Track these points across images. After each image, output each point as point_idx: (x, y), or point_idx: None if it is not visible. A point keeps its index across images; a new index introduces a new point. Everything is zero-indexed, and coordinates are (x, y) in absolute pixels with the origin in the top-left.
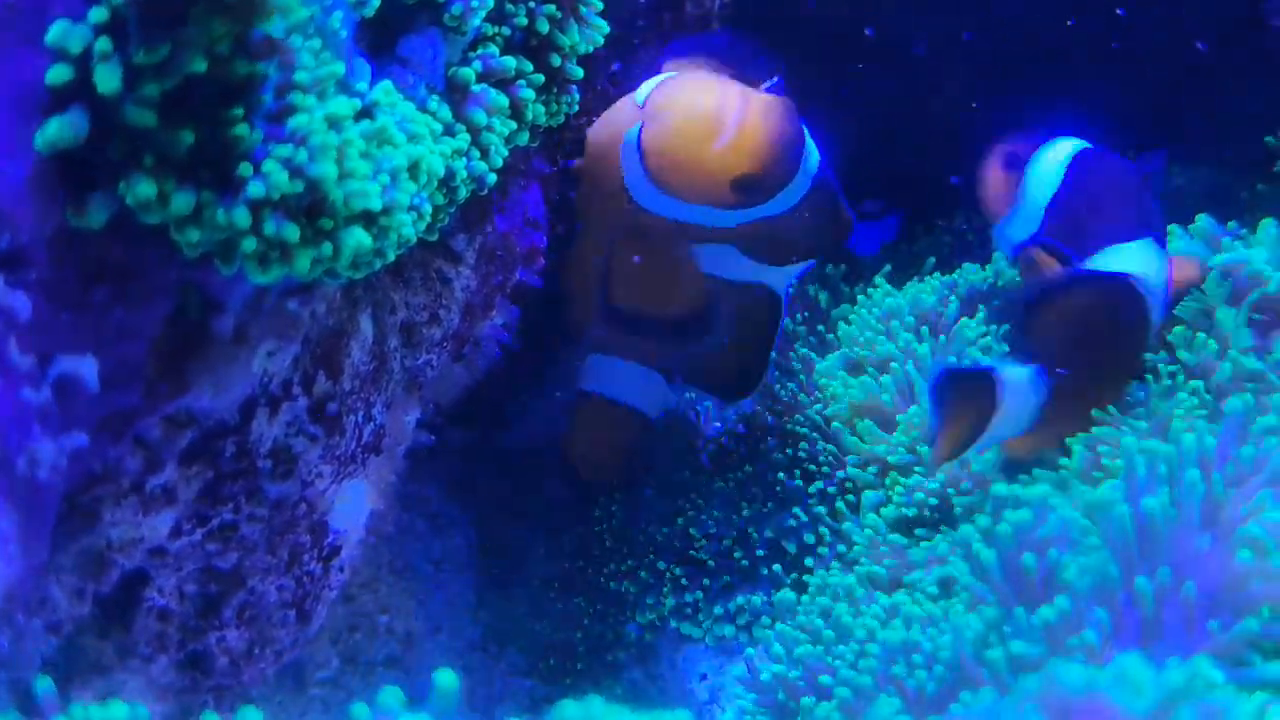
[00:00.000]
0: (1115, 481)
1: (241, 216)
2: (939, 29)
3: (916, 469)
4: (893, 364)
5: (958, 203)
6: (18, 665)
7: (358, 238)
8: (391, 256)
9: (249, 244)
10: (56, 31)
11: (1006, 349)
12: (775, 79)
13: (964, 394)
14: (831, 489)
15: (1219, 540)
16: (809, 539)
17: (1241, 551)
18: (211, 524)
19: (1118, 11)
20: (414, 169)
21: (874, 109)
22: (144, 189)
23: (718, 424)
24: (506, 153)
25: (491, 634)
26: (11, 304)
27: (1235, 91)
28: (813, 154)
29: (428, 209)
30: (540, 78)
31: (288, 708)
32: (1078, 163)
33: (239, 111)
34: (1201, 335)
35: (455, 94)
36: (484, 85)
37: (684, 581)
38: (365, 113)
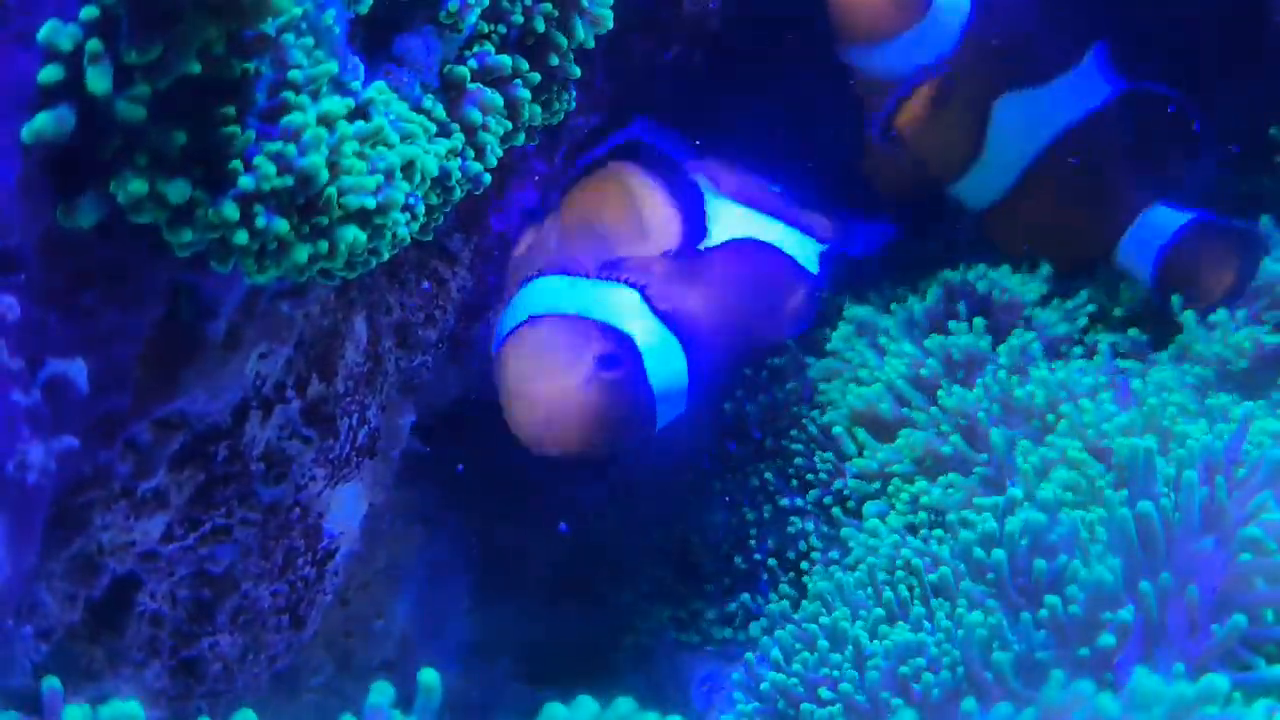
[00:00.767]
0: (1119, 482)
1: (230, 210)
2: None
3: (919, 477)
4: (891, 372)
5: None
6: (7, 672)
7: (353, 234)
8: (386, 255)
9: (240, 237)
10: (47, 30)
11: (1006, 359)
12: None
13: None
14: (829, 497)
15: (1221, 542)
16: (808, 545)
17: (1244, 554)
18: (204, 528)
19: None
20: (408, 169)
21: None
22: (136, 185)
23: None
24: (501, 153)
25: (487, 638)
26: (0, 306)
27: (1238, 88)
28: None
29: (421, 209)
30: (537, 77)
31: (282, 713)
32: None
33: (231, 110)
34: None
35: (450, 92)
36: (479, 84)
37: (683, 586)
38: (359, 112)
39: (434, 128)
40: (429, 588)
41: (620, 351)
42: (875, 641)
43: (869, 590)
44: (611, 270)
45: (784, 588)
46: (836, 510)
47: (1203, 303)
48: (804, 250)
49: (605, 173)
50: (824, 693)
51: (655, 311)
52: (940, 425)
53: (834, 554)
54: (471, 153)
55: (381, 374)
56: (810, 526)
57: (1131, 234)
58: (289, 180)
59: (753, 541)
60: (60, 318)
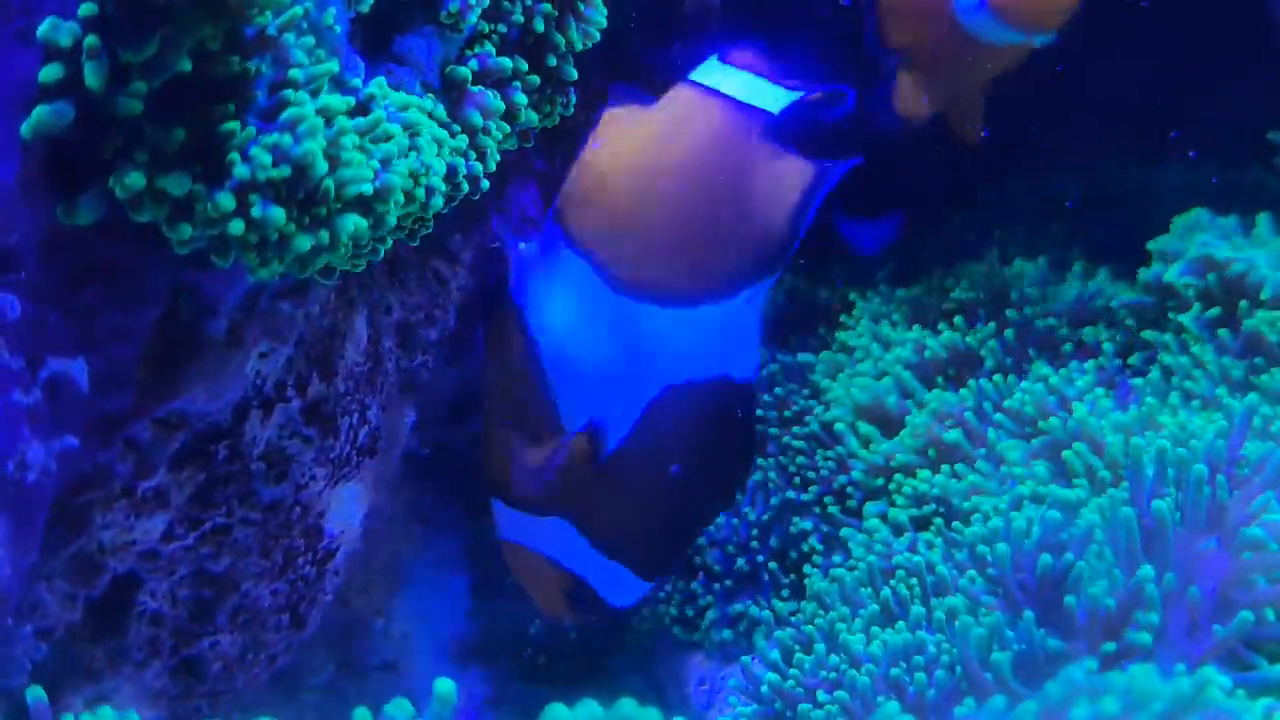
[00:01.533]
0: (1125, 482)
1: (226, 200)
2: None
3: (921, 471)
4: (896, 365)
5: (960, 202)
6: (7, 672)
7: (354, 223)
8: (388, 243)
9: (236, 227)
10: (47, 27)
11: (1010, 358)
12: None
13: None
14: (830, 495)
15: (1223, 542)
16: (809, 545)
17: (1245, 554)
18: (204, 527)
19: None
20: (413, 149)
21: (883, 109)
22: (134, 179)
23: None
24: (499, 157)
25: (488, 638)
26: (0, 305)
27: (1238, 88)
28: None
29: (439, 180)
30: (536, 79)
31: (282, 713)
32: None
33: (231, 108)
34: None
35: (451, 92)
36: (480, 86)
37: (683, 586)
38: (360, 109)
39: (435, 114)
40: (429, 587)
41: None
42: (874, 643)
43: (868, 590)
44: None
45: (785, 589)
46: (834, 509)
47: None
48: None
49: None
50: (821, 695)
51: None
52: (943, 419)
53: (836, 557)
54: (473, 154)
55: (382, 373)
56: (810, 525)
57: None
58: (285, 169)
59: (755, 542)
60: (60, 317)
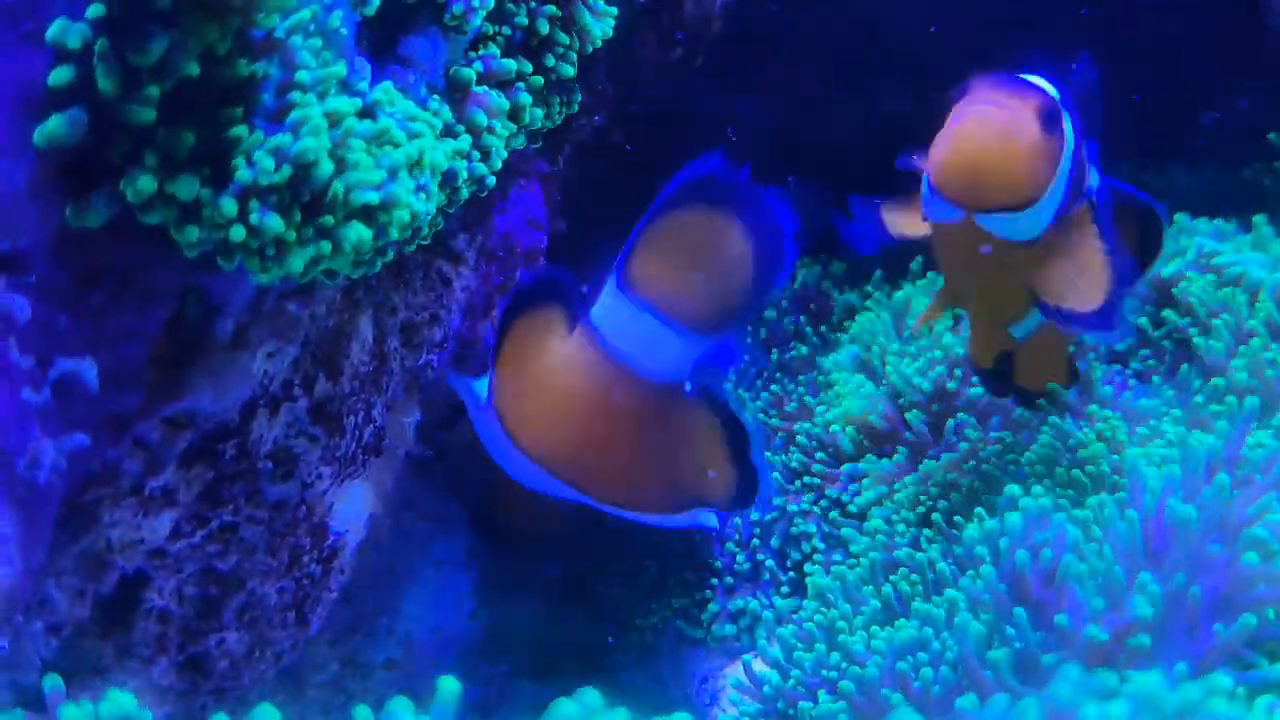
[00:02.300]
0: (1122, 483)
1: (229, 205)
2: (947, 29)
3: (908, 478)
4: (889, 372)
5: None
6: (18, 667)
7: (358, 233)
8: (391, 255)
9: (237, 232)
10: (56, 28)
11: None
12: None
13: None
14: (832, 494)
15: (1224, 543)
16: (810, 545)
17: (1247, 554)
18: (211, 525)
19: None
20: (417, 164)
21: (881, 112)
22: (145, 183)
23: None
24: (506, 155)
25: (491, 635)
26: (11, 306)
27: (1235, 90)
28: None
29: (434, 188)
30: (540, 80)
31: (287, 710)
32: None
33: (238, 111)
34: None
35: (456, 94)
36: (485, 87)
37: (686, 583)
38: (366, 112)
39: (440, 126)
40: (434, 586)
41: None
42: (876, 640)
43: (869, 588)
44: None
45: (785, 587)
46: (835, 514)
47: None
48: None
49: None
50: (822, 692)
51: None
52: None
53: (836, 555)
54: (477, 154)
55: (387, 373)
56: (814, 528)
57: None
58: (286, 171)
59: (757, 540)
60: (70, 317)
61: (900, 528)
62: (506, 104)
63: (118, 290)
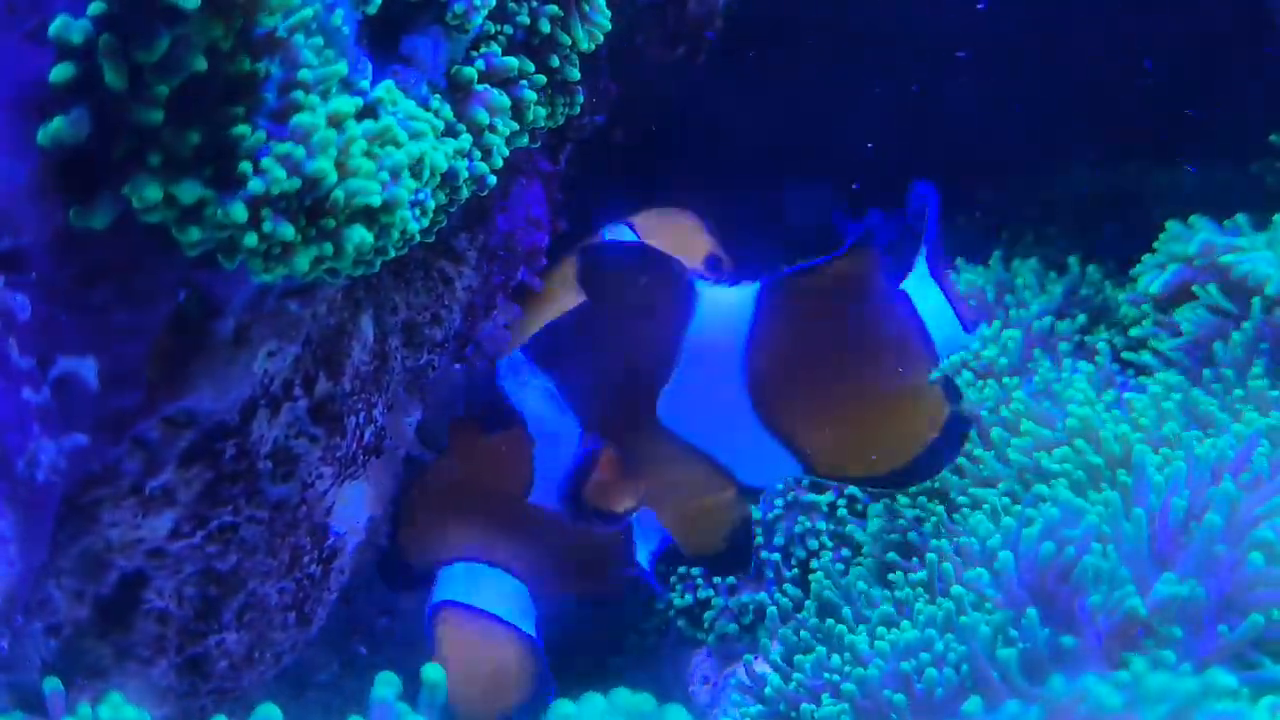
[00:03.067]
0: (1129, 483)
1: (239, 211)
2: (945, 31)
3: None
4: None
5: (965, 203)
6: (17, 668)
7: (360, 235)
8: (393, 253)
9: (250, 240)
10: (59, 25)
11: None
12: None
13: None
14: (834, 492)
15: (1230, 544)
16: (814, 544)
17: (1253, 555)
18: (211, 526)
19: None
20: (417, 166)
21: (883, 111)
22: (151, 192)
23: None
24: (508, 153)
25: None
26: (11, 305)
27: (1241, 90)
28: None
29: (431, 204)
30: (542, 78)
31: (287, 711)
32: None
33: (241, 110)
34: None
35: (458, 93)
36: (486, 85)
37: (688, 582)
38: (368, 111)
39: (441, 126)
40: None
41: None
42: (880, 641)
43: (873, 589)
44: None
45: (789, 586)
46: (843, 511)
47: None
48: None
49: None
50: (825, 696)
51: None
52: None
53: (845, 551)
54: (478, 153)
55: (388, 373)
56: (822, 526)
57: None
58: (297, 183)
59: (759, 539)
60: (70, 316)
61: (901, 523)
62: (508, 102)
63: (118, 289)
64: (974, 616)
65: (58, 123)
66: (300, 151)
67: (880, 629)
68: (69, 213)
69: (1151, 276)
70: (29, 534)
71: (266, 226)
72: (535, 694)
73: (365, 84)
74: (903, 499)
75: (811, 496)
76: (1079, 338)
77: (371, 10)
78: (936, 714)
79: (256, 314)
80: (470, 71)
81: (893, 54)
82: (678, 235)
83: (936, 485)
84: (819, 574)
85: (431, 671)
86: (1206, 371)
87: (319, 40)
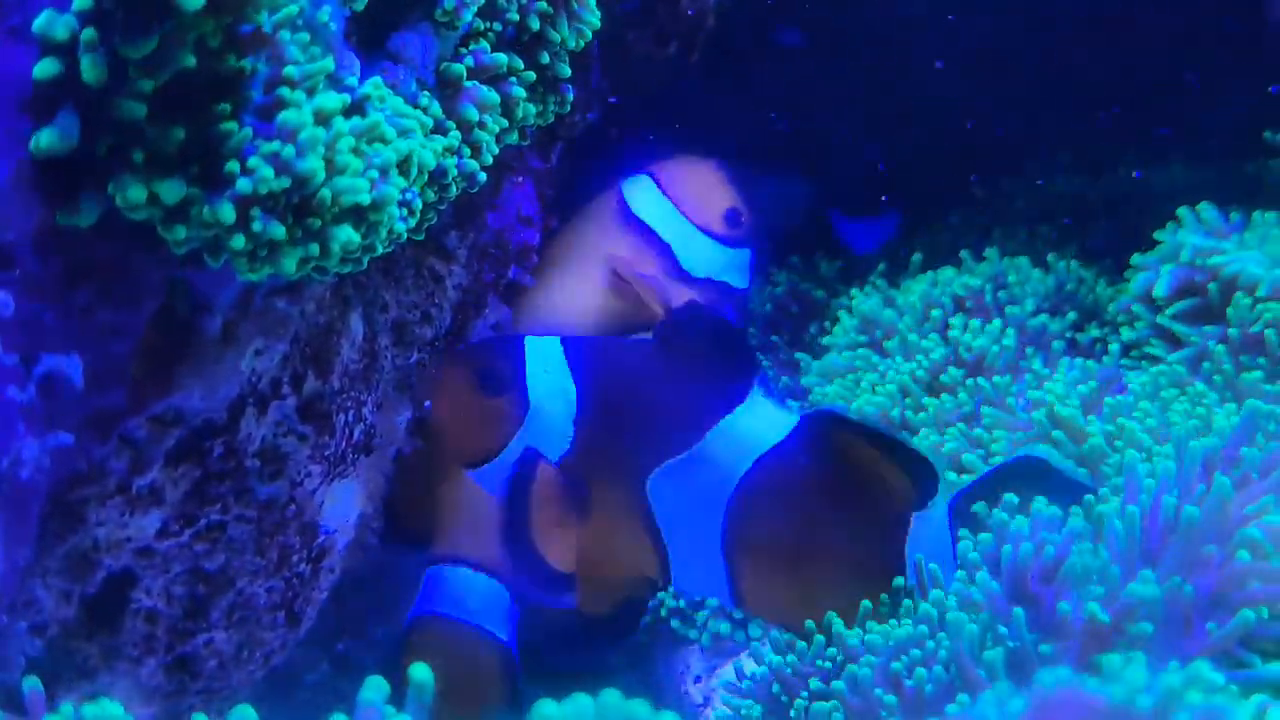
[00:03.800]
0: (1118, 482)
1: (227, 212)
2: (942, 28)
3: None
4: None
5: (956, 202)
6: (2, 668)
7: (346, 234)
8: (380, 250)
9: (237, 241)
10: (43, 20)
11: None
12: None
13: None
14: None
15: (1219, 542)
16: None
17: (1241, 553)
18: (199, 524)
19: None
20: (405, 163)
21: (876, 106)
22: (135, 193)
23: None
24: (498, 150)
25: None
26: None
27: (1234, 88)
28: None
29: (418, 204)
30: (532, 75)
31: (277, 711)
32: None
33: (227, 107)
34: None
35: (447, 89)
36: (475, 82)
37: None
38: (355, 108)
39: (430, 123)
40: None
41: None
42: (869, 637)
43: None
44: None
45: None
46: None
47: None
48: None
49: None
50: (818, 693)
51: None
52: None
53: None
54: (467, 150)
55: (377, 371)
56: None
57: None
58: (285, 182)
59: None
60: (55, 314)
61: None
62: (497, 98)
63: (103, 286)
64: (959, 615)
65: (46, 134)
66: (289, 150)
67: (870, 623)
68: (54, 210)
69: (1147, 277)
70: (13, 532)
71: (256, 226)
72: (507, 699)
73: (353, 80)
74: None
75: None
76: (1071, 335)
77: (359, 7)
78: (926, 709)
79: (244, 312)
80: (459, 68)
81: (888, 50)
82: (699, 185)
83: None
84: None
85: (418, 671)
86: (1206, 364)
87: (305, 36)
